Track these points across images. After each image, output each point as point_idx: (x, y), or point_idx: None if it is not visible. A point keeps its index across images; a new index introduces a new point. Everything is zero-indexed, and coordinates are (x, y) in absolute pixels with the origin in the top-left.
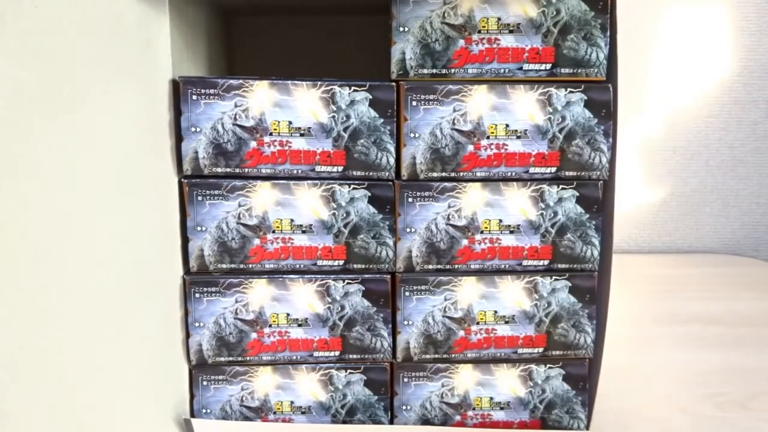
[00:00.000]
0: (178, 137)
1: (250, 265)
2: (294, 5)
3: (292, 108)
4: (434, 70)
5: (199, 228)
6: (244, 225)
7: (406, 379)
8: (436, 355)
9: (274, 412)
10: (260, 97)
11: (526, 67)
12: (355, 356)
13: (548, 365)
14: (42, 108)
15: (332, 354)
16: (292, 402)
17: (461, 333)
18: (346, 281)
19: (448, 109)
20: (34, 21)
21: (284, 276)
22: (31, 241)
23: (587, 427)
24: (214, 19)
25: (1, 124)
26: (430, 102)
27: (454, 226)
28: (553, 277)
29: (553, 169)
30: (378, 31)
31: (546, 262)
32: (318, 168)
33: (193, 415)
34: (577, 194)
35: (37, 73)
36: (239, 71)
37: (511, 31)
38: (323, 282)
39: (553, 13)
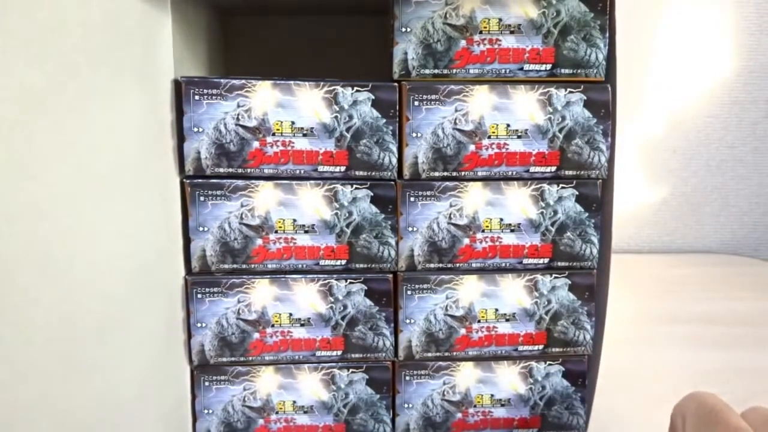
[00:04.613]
0: (181, 137)
1: (253, 266)
2: (294, 5)
3: (295, 108)
4: (436, 71)
5: (201, 228)
6: (247, 225)
7: (407, 378)
8: (438, 353)
9: (277, 412)
10: (263, 98)
11: (526, 67)
12: (357, 355)
13: (548, 362)
14: (46, 108)
15: (334, 353)
16: (294, 402)
17: (462, 331)
18: (349, 281)
19: (450, 109)
20: (38, 21)
21: (287, 276)
22: (34, 241)
23: (586, 423)
24: (213, 18)
25: (6, 125)
26: (432, 102)
27: (455, 225)
28: (553, 275)
29: (553, 169)
30: (377, 31)
31: (546, 260)
32: (321, 168)
33: (194, 415)
34: (577, 193)
35: (42, 74)
36: (238, 71)
37: (512, 32)
38: (326, 282)
39: (554, 14)
